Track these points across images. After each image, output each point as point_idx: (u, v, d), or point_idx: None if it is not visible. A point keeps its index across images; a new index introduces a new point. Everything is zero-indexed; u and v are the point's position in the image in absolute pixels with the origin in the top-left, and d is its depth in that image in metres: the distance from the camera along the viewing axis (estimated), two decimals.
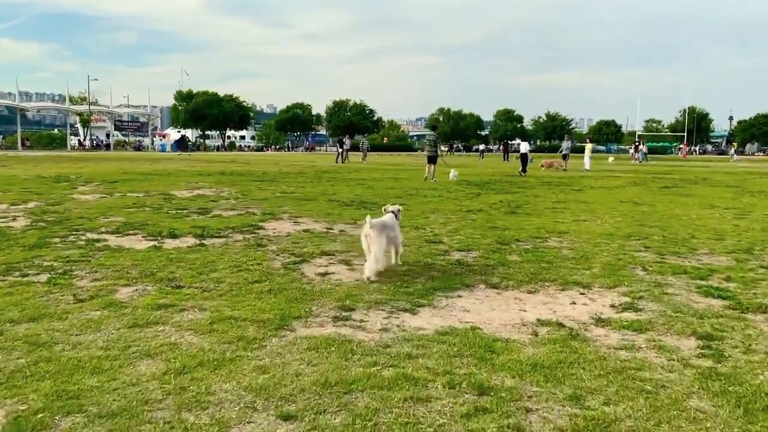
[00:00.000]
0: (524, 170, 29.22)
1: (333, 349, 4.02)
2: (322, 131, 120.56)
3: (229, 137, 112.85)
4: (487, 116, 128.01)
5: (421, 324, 4.65)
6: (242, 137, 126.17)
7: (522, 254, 7.53)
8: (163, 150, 79.27)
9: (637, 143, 59.22)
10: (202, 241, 7.94)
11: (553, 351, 4.05)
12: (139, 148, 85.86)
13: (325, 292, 5.52)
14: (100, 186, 17.23)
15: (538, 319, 4.81)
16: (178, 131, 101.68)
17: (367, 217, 6.16)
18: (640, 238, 9.05)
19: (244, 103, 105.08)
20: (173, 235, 8.37)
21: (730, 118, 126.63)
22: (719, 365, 3.85)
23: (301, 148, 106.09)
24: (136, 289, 5.53)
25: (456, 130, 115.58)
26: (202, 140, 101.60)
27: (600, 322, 4.78)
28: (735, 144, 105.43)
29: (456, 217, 11.26)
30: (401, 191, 17.15)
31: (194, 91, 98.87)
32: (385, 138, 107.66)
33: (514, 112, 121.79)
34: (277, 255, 7.18)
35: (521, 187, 19.46)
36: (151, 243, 7.83)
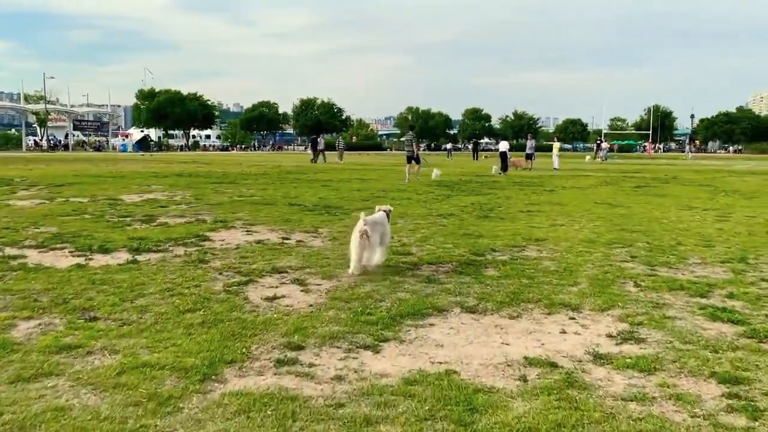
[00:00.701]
0: (505, 169, 28.61)
1: (269, 412, 3.12)
2: (290, 130, 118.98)
3: (193, 137, 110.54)
4: (456, 115, 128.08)
5: (385, 367, 3.79)
6: (207, 137, 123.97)
7: (499, 267, 6.72)
8: (125, 150, 76.91)
9: (599, 141, 59.47)
10: (136, 257, 6.93)
11: (549, 406, 3.23)
12: (99, 148, 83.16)
13: (271, 323, 4.61)
14: (43, 190, 15.97)
15: (526, 357, 3.98)
16: (142, 131, 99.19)
17: (362, 214, 6.44)
18: (624, 245, 8.34)
19: (209, 102, 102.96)
20: (104, 250, 7.34)
21: (692, 117, 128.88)
22: (756, 424, 3.07)
23: (267, 148, 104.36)
24: (40, 324, 4.54)
25: (425, 129, 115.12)
26: (165, 140, 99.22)
27: (599, 358, 3.99)
28: (696, 142, 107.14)
29: (426, 223, 10.43)
30: (368, 193, 16.28)
31: (156, 90, 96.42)
32: (354, 137, 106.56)
33: (482, 111, 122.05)
34: (220, 273, 6.24)
35: (492, 188, 18.77)
36: (77, 260, 6.80)
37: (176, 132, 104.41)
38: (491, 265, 6.85)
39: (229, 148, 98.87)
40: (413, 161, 22.30)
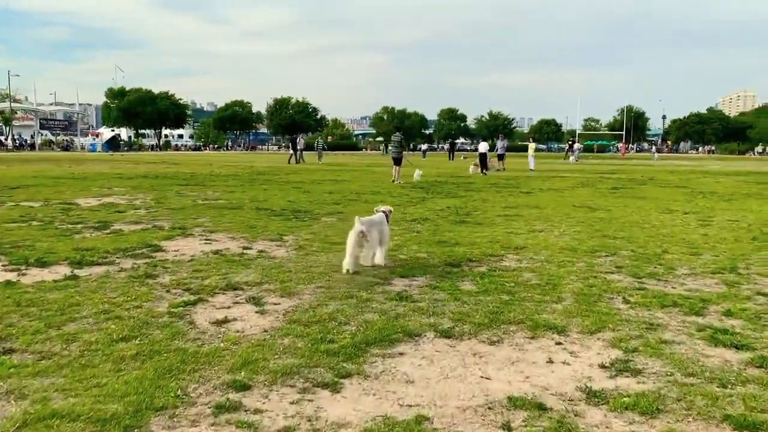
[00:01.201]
0: (485, 169, 28.67)
1: None
2: (264, 129, 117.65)
3: (166, 136, 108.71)
4: (432, 115, 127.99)
5: (345, 413, 3.21)
6: (180, 136, 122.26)
7: (477, 281, 6.19)
8: (94, 150, 75.07)
9: (571, 142, 59.29)
10: (76, 272, 6.23)
11: None
12: (67, 148, 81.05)
13: (216, 355, 3.99)
14: None
15: (509, 397, 3.43)
16: (112, 130, 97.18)
17: (356, 217, 6.51)
18: (608, 253, 7.88)
19: (181, 101, 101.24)
20: (42, 263, 6.63)
21: (663, 117, 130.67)
22: None
23: (241, 148, 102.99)
24: None
25: (400, 130, 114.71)
26: (138, 140, 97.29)
27: (593, 396, 3.46)
28: (668, 142, 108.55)
29: (399, 229, 9.86)
30: (340, 196, 15.68)
31: (127, 89, 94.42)
32: (330, 137, 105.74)
33: (457, 111, 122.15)
34: (168, 291, 5.59)
35: (468, 190, 18.30)
36: (8, 275, 6.09)
37: (148, 131, 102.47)
38: (468, 278, 6.31)
39: (202, 148, 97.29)
40: (399, 163, 22.12)
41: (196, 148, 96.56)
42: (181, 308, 5.01)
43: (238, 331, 4.49)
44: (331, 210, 12.42)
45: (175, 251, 7.52)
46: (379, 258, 6.71)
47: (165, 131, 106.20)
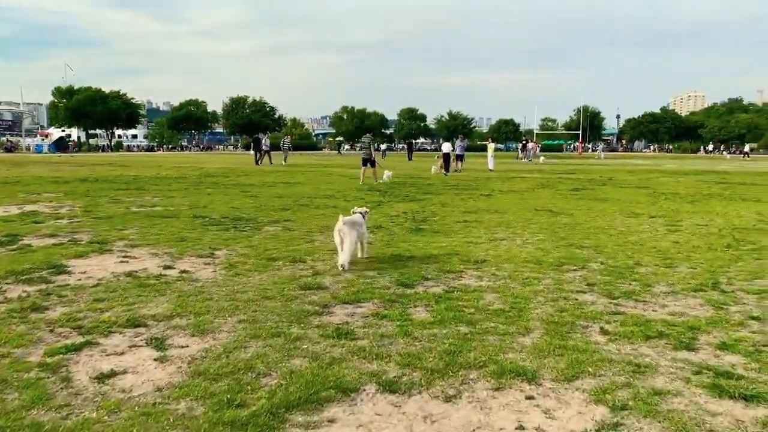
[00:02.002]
0: (447, 170, 28.12)
1: None
2: (219, 129, 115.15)
3: (119, 137, 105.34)
4: (392, 115, 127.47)
5: None
6: (134, 136, 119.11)
7: (432, 306, 5.31)
8: (39, 151, 72.05)
9: (525, 141, 59.01)
10: None
11: None
12: (11, 149, 77.56)
13: (84, 429, 3.00)
14: None
15: None
16: (63, 130, 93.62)
17: (340, 216, 6.99)
18: (576, 266, 7.12)
19: (133, 100, 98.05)
20: None
21: (617, 117, 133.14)
22: None
23: (196, 148, 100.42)
24: None
25: (361, 129, 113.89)
26: (95, 140, 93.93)
27: None
28: (623, 141, 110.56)
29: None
30: (290, 200, 14.65)
31: (75, 88, 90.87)
32: (289, 136, 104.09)
33: (417, 110, 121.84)
34: (52, 330, 4.53)
35: (427, 193, 17.49)
36: None
37: (100, 132, 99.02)
38: (422, 303, 5.43)
39: (155, 149, 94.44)
40: (369, 164, 22.11)
41: (149, 149, 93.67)
42: (60, 356, 3.98)
43: (123, 391, 3.49)
44: (277, 217, 11.41)
45: (81, 273, 6.42)
46: (361, 254, 7.30)
47: (118, 131, 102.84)
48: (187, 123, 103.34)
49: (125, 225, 10.07)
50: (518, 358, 4.07)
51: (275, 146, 43.16)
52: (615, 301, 5.62)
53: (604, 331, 4.68)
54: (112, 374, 3.72)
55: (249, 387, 3.53)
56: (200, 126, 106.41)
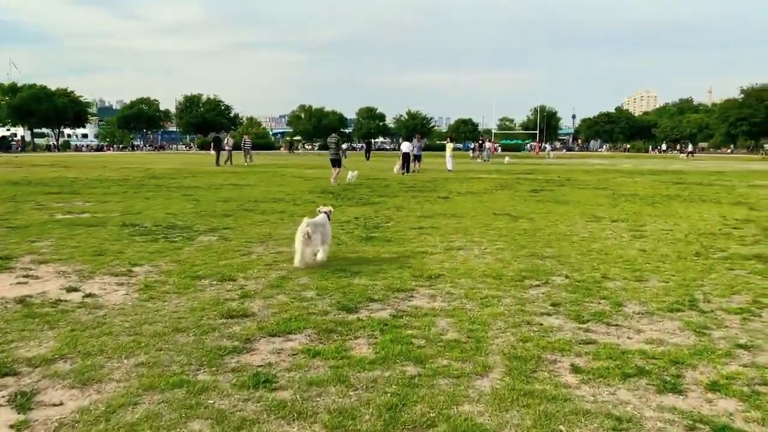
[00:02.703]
0: (407, 170, 27.56)
1: None
2: (172, 128, 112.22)
3: (69, 136, 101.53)
4: (350, 114, 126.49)
5: None
6: (85, 135, 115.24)
7: (376, 338, 4.52)
8: None
9: (481, 141, 58.47)
10: None
11: None
12: None
13: None
14: None
15: None
16: (8, 129, 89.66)
17: (305, 218, 7.00)
18: (539, 280, 6.45)
19: (82, 98, 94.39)
20: None
21: (573, 117, 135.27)
22: None
23: (148, 147, 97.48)
24: None
25: (318, 128, 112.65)
26: (47, 140, 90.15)
27: None
28: (578, 140, 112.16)
29: (292, 250, 8.10)
30: (236, 205, 13.69)
31: (19, 85, 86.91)
32: (246, 135, 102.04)
33: (376, 110, 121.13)
34: None
35: (382, 196, 16.73)
36: None
37: (48, 131, 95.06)
38: (365, 333, 4.64)
39: (105, 149, 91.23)
40: (337, 165, 21.74)
41: (99, 149, 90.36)
42: None
43: None
44: (216, 225, 10.46)
45: None
46: (321, 257, 7.13)
47: (68, 131, 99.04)
48: (138, 122, 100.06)
49: (41, 236, 8.99)
50: (475, 412, 3.31)
51: (238, 146, 40.11)
52: (584, 325, 4.94)
53: (575, 368, 3.97)
54: None
55: None
56: (152, 125, 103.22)
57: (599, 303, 5.62)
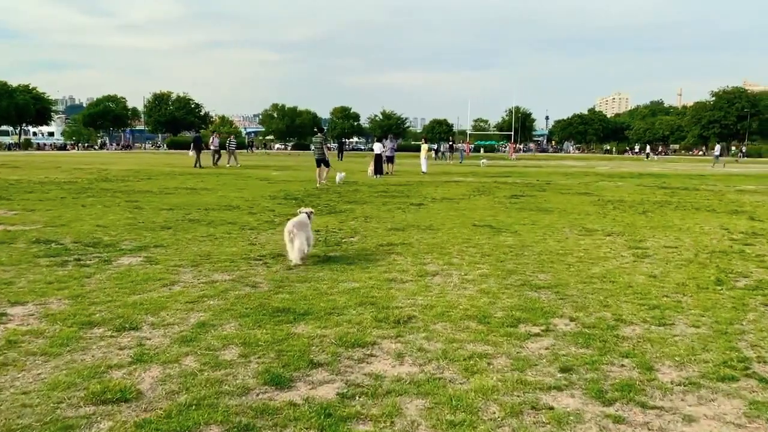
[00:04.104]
0: (379, 172, 26.19)
1: None
2: (140, 127, 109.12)
3: (35, 134, 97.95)
4: (324, 113, 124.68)
5: None
6: (51, 134, 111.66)
7: None
8: None
9: (451, 142, 56.90)
10: None
11: None
12: None
13: None
14: None
15: None
16: None
17: (289, 221, 7.31)
18: (537, 327, 5.01)
19: (45, 95, 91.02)
20: None
21: (546, 118, 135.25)
22: None
23: (114, 146, 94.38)
24: None
25: (291, 128, 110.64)
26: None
27: None
28: (553, 142, 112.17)
29: (227, 279, 6.56)
30: (182, 214, 12.05)
31: None
32: (216, 134, 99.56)
33: (350, 109, 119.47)
34: None
35: (350, 202, 15.21)
36: None
37: (9, 128, 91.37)
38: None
39: (69, 147, 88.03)
40: (323, 164, 21.13)
41: (63, 148, 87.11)
42: None
43: None
44: (148, 241, 8.85)
45: None
46: (305, 254, 7.26)
47: (33, 129, 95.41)
48: (104, 120, 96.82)
49: None
50: None
51: (223, 145, 36.61)
52: (611, 408, 3.50)
53: None
54: None
55: None
56: (119, 123, 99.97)
57: (622, 365, 4.19)
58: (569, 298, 5.99)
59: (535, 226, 11.15)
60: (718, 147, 49.44)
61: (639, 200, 16.62)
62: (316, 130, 24.78)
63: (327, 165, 21.38)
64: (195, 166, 30.94)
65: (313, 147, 22.45)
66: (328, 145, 23.45)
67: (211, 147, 33.76)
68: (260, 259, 7.65)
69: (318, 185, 20.45)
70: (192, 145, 32.86)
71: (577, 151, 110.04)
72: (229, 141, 36.40)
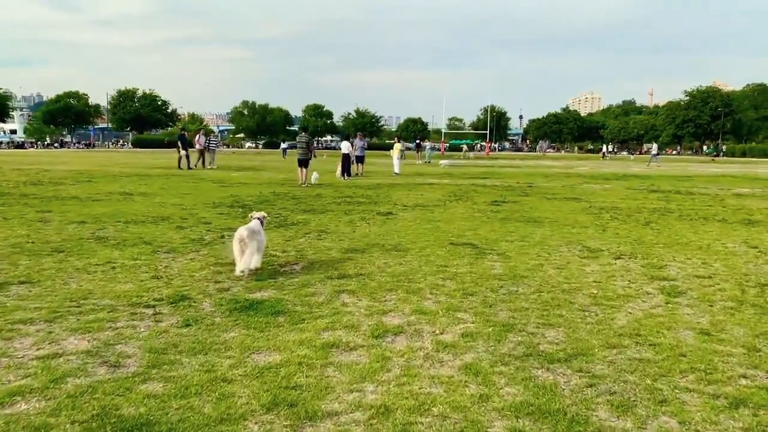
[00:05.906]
0: (347, 174, 24.25)
1: None
2: (103, 124, 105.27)
3: None
4: (297, 111, 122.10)
5: None
6: (13, 131, 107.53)
7: None
8: None
9: (419, 140, 54.80)
10: None
11: None
12: None
13: None
14: None
15: None
16: None
17: (240, 228, 6.63)
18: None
19: (1, 91, 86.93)
20: None
21: (521, 117, 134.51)
22: None
23: (76, 144, 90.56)
24: None
25: (262, 125, 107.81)
26: None
27: None
28: (528, 141, 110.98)
29: (84, 350, 4.35)
30: (92, 228, 9.75)
31: None
32: (185, 132, 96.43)
33: (323, 107, 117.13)
34: None
35: (307, 210, 13.02)
36: None
37: None
38: None
39: (27, 146, 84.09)
40: (304, 166, 20.70)
41: (20, 146, 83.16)
42: None
43: None
44: (20, 272, 6.59)
45: None
46: (255, 263, 6.73)
47: None
48: (65, 117, 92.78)
49: None
50: None
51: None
52: None
53: None
54: None
55: None
56: (80, 120, 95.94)
57: None
58: (600, 382, 3.90)
59: (525, 244, 9.12)
60: (655, 146, 53.28)
61: (635, 207, 14.72)
62: (299, 129, 23.81)
63: (306, 166, 20.75)
64: (179, 168, 28.29)
65: (297, 146, 21.44)
66: (312, 146, 21.53)
67: (197, 146, 31.22)
68: (153, 306, 5.44)
69: (304, 185, 20.07)
70: (179, 145, 29.45)
71: (551, 150, 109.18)
72: (210, 140, 33.06)
